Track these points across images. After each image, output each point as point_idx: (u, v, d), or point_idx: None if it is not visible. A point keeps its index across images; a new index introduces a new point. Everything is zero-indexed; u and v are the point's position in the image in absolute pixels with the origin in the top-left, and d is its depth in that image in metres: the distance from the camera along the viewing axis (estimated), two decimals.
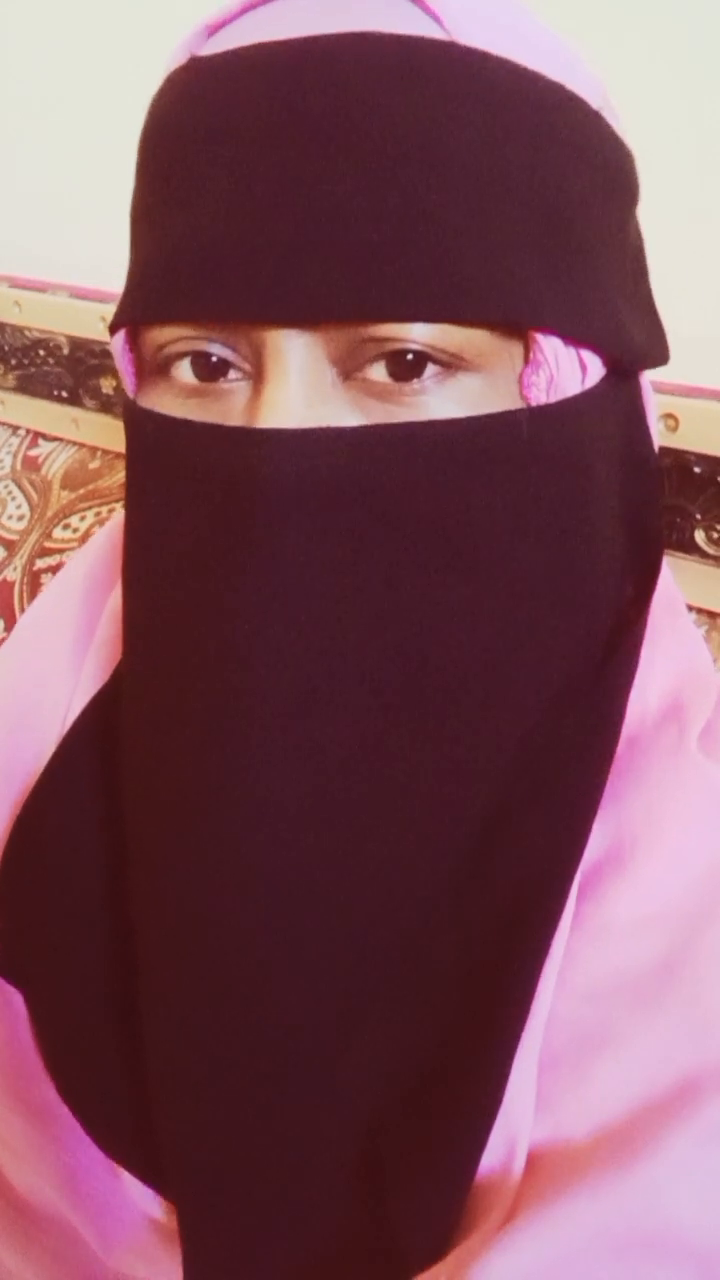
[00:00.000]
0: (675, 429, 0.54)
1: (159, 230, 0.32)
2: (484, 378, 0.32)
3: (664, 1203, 0.29)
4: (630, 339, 0.35)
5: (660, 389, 0.55)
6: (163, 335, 0.32)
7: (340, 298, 0.29)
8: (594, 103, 0.34)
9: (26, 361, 0.85)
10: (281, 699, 0.31)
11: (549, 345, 0.32)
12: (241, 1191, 0.34)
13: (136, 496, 0.35)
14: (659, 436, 0.54)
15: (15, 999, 0.40)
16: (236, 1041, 0.34)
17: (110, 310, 0.40)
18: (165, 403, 0.33)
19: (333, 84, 0.30)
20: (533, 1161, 0.32)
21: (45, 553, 0.76)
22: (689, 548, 0.56)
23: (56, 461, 0.81)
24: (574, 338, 0.33)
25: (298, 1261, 0.34)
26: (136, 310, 0.33)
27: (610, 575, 0.36)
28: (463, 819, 0.33)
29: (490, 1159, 0.32)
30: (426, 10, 0.31)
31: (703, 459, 0.54)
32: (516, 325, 0.32)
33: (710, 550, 0.55)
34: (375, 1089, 0.33)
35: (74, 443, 0.82)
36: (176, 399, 0.33)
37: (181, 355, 0.33)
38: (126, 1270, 0.36)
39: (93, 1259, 0.37)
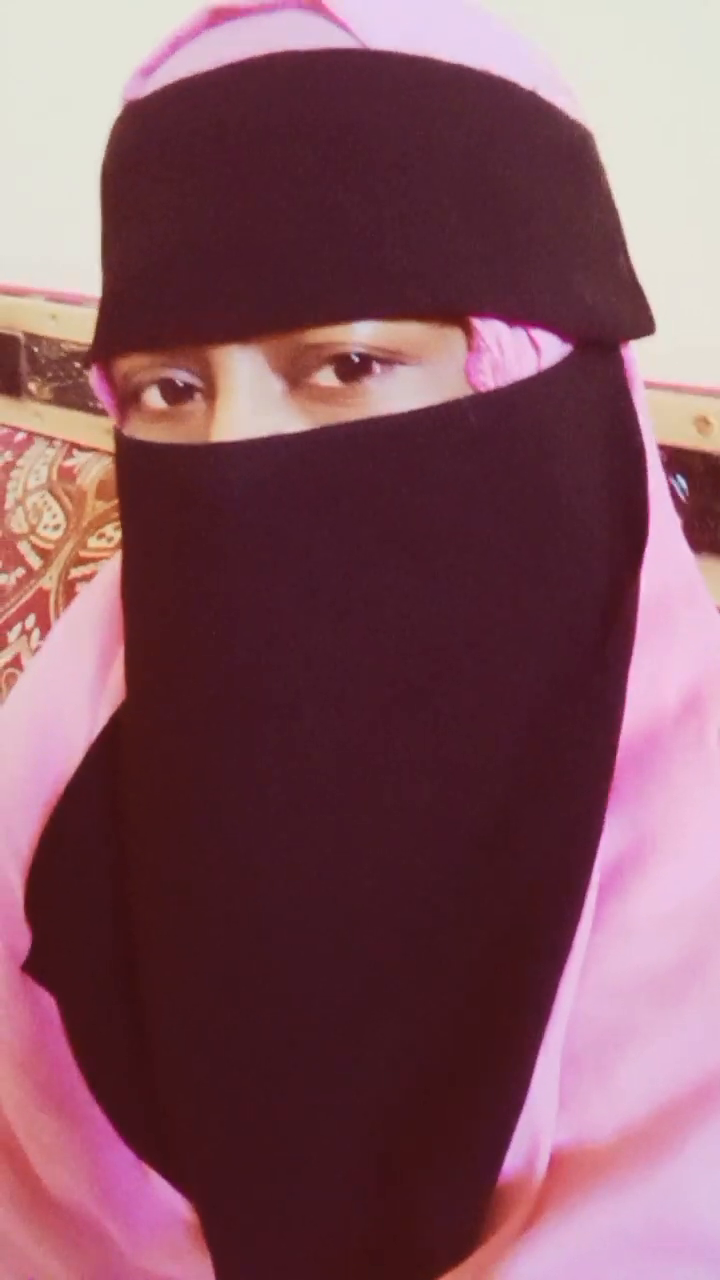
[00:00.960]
0: (708, 432, 0.54)
1: (108, 268, 0.34)
2: (425, 369, 0.32)
3: (688, 1203, 0.29)
4: (595, 314, 0.34)
5: (692, 391, 0.54)
6: (126, 365, 0.34)
7: (266, 309, 0.30)
8: (526, 83, 0.34)
9: (63, 374, 0.86)
10: (262, 706, 0.32)
11: (489, 330, 0.32)
12: (252, 1191, 0.34)
13: (123, 520, 0.37)
14: (691, 439, 0.54)
15: (47, 1000, 0.40)
16: (240, 1042, 0.34)
17: None
18: (139, 429, 0.35)
19: (245, 105, 0.31)
20: (556, 1162, 0.32)
21: (80, 562, 0.77)
22: None
23: (91, 472, 0.82)
24: (518, 319, 0.32)
25: (320, 1261, 0.34)
26: (96, 345, 0.35)
27: (594, 558, 0.35)
28: (461, 816, 0.33)
29: (513, 1158, 0.32)
30: (335, 21, 0.32)
31: None
32: (448, 313, 0.31)
33: None
34: (386, 1088, 0.33)
35: (109, 453, 0.83)
36: (146, 423, 0.34)
37: (148, 383, 0.34)
38: (156, 1269, 0.37)
39: (123, 1257, 0.37)
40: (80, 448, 0.85)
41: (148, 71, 0.35)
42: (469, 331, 0.32)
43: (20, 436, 0.90)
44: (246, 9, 0.33)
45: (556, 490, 0.34)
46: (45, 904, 0.41)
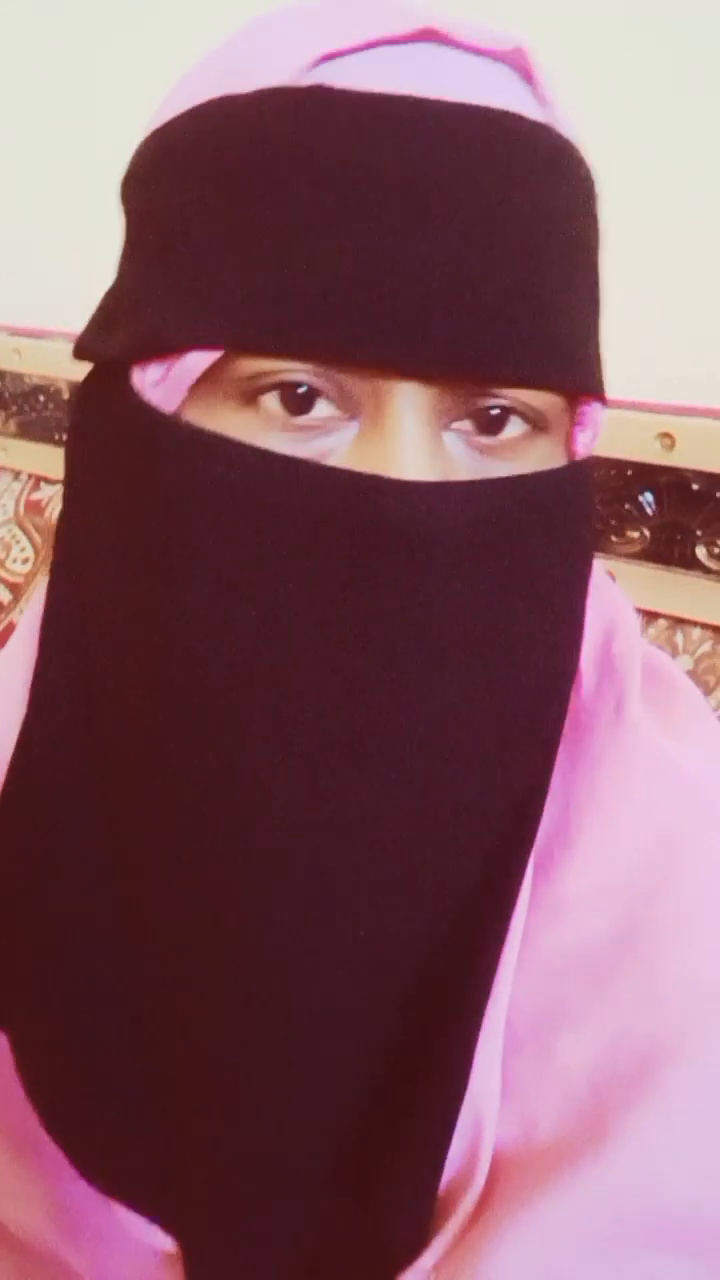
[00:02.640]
0: (672, 447, 0.55)
1: (281, 258, 0.31)
2: (552, 438, 0.34)
3: (641, 1184, 0.29)
4: None
5: (656, 409, 0.55)
6: (263, 363, 0.32)
7: (477, 359, 0.31)
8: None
9: (27, 408, 0.86)
10: (403, 739, 0.32)
11: (595, 409, 0.36)
12: (244, 1196, 0.34)
13: (189, 529, 0.33)
14: (656, 455, 0.55)
15: None
16: (244, 1043, 0.33)
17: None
18: (250, 433, 0.32)
19: (481, 157, 0.31)
20: (506, 1156, 0.32)
21: None
22: (690, 564, 0.56)
23: (59, 504, 0.82)
24: (603, 400, 0.36)
25: (295, 1266, 0.33)
26: (248, 336, 0.31)
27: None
28: (447, 814, 0.34)
29: (457, 1144, 0.32)
30: (536, 95, 0.34)
31: (700, 475, 0.55)
32: (588, 392, 0.35)
33: (712, 565, 0.55)
34: (344, 1091, 0.33)
35: None
36: (264, 429, 0.32)
37: (274, 386, 0.32)
38: None
39: None
40: (47, 480, 0.84)
41: (334, 58, 0.32)
42: (576, 407, 0.35)
43: None
44: (459, 42, 0.33)
45: (592, 534, 0.37)
46: None
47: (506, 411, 0.33)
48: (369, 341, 0.30)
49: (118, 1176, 0.36)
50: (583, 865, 0.34)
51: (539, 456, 0.34)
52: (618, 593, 0.42)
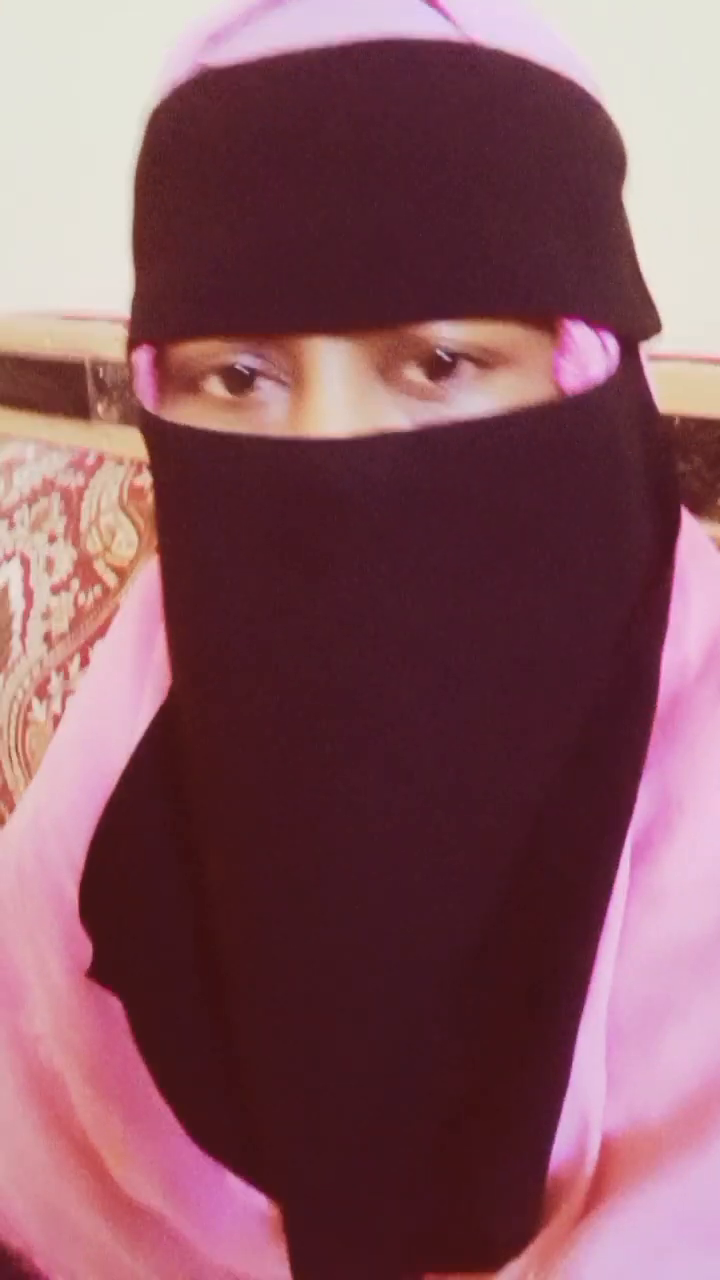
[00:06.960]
0: None
1: (183, 246, 0.32)
2: (518, 372, 0.32)
3: None
4: (638, 314, 0.36)
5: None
6: (190, 350, 0.33)
7: (375, 301, 0.30)
8: (591, 89, 0.34)
9: (129, 394, 0.88)
10: (364, 710, 0.32)
11: (578, 331, 0.33)
12: (329, 1186, 0.34)
13: (173, 515, 0.35)
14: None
15: (114, 1004, 0.41)
16: (317, 1040, 0.34)
17: None
18: (195, 417, 0.34)
19: (357, 92, 0.30)
20: (611, 1148, 0.31)
21: None
22: None
23: None
24: (599, 321, 0.33)
25: (396, 1251, 0.34)
26: (166, 326, 0.33)
27: (641, 544, 0.36)
28: (523, 795, 0.33)
29: (563, 1142, 0.31)
30: (440, 10, 0.31)
31: None
32: (544, 313, 0.32)
33: None
34: (443, 1078, 0.33)
35: None
36: (208, 412, 0.33)
37: (211, 370, 0.33)
38: (234, 1266, 0.37)
39: (201, 1255, 0.38)
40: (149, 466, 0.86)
41: (218, 37, 0.33)
42: (556, 332, 0.33)
43: (91, 459, 0.92)
44: None
45: (620, 485, 0.35)
46: (100, 909, 0.41)
47: (455, 355, 0.31)
48: (259, 308, 0.30)
49: (223, 1141, 0.37)
50: (683, 853, 0.33)
51: (498, 395, 0.31)
52: None
